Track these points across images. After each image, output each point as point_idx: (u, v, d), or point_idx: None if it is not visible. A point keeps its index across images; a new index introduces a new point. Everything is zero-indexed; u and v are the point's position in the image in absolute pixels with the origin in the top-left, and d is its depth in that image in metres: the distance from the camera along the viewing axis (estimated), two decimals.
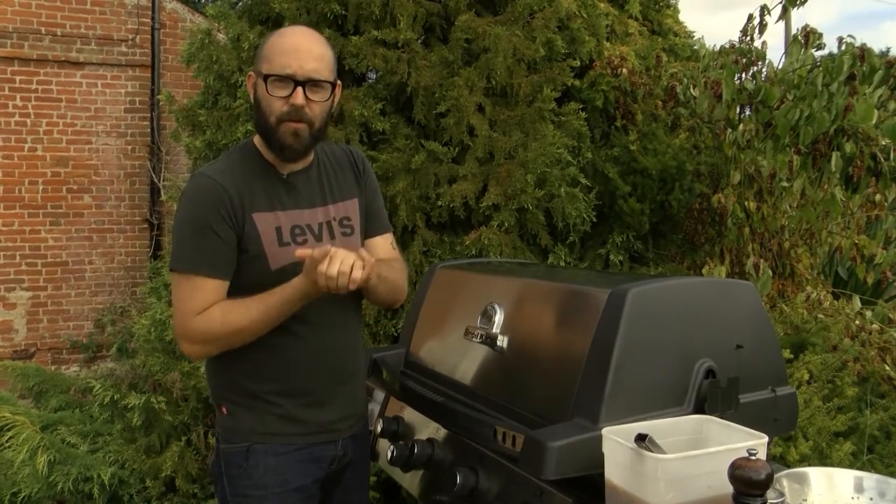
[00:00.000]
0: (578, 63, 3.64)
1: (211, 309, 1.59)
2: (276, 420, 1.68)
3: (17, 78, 6.46)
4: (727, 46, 3.61)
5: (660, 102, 3.86)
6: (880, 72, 3.15)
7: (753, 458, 1.08)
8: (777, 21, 3.48)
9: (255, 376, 1.68)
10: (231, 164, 1.68)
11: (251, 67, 3.41)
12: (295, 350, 1.67)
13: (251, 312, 1.58)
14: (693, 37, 4.76)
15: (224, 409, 1.72)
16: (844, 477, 1.31)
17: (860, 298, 3.56)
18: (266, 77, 1.59)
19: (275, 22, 3.62)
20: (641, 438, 1.16)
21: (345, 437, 1.77)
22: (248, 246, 1.62)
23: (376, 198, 1.87)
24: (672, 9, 4.68)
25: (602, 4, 3.94)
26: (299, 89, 1.58)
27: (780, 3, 3.46)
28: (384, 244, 1.86)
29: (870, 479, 1.29)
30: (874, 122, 3.08)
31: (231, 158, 1.71)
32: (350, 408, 1.78)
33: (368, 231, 1.84)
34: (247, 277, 1.63)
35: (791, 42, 3.39)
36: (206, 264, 1.60)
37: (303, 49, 1.60)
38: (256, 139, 1.72)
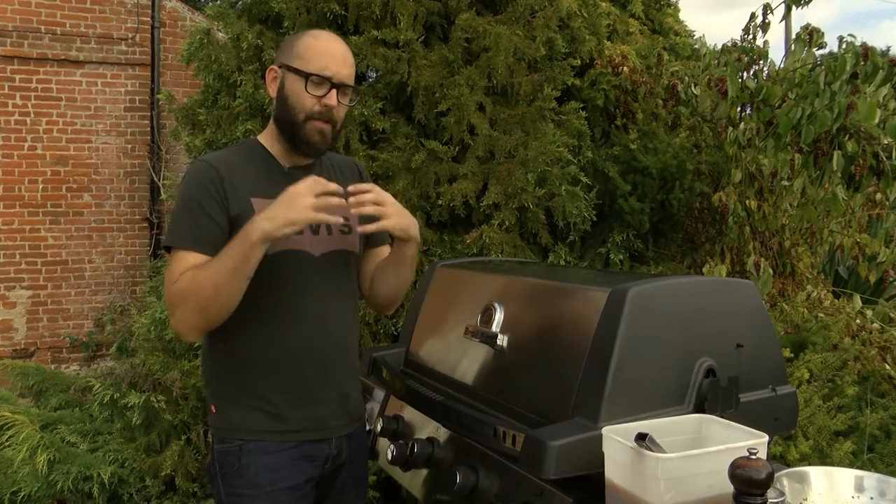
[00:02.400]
0: (579, 62, 3.63)
1: (185, 275, 1.58)
2: (266, 418, 1.66)
3: (17, 77, 6.46)
4: (729, 45, 3.61)
5: (660, 101, 3.86)
6: (882, 71, 3.15)
7: (754, 457, 1.08)
8: (781, 20, 3.49)
9: (244, 372, 1.67)
10: (232, 153, 1.75)
11: (250, 66, 3.47)
12: (284, 344, 1.67)
13: (211, 263, 1.56)
14: (693, 36, 4.76)
15: (213, 408, 1.72)
16: (845, 476, 1.31)
17: (860, 297, 3.56)
18: (307, 76, 1.65)
19: (274, 21, 3.62)
20: (642, 438, 1.16)
21: (338, 435, 1.74)
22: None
23: None
24: (673, 8, 4.68)
25: (603, 4, 3.94)
26: (334, 91, 1.66)
27: (783, 2, 3.46)
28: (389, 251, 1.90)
29: (870, 478, 1.29)
30: (876, 121, 3.08)
31: (232, 149, 1.79)
32: (343, 406, 1.75)
33: (373, 240, 1.86)
34: None
35: (795, 39, 3.39)
36: (191, 238, 1.61)
37: (339, 55, 1.69)
38: (262, 137, 1.77)
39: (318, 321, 1.70)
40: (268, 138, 1.76)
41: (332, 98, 1.66)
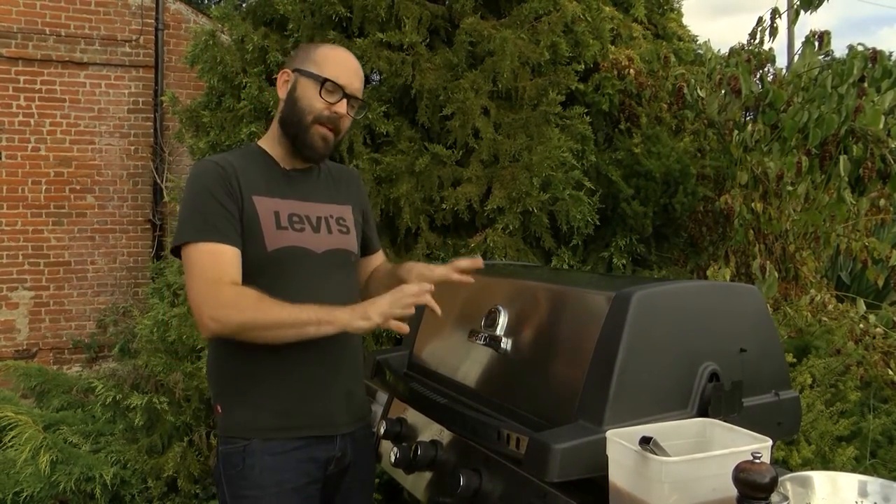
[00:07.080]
0: (583, 66, 3.64)
1: (248, 288, 1.58)
2: (272, 416, 1.67)
3: (21, 78, 6.47)
4: (738, 47, 3.62)
5: (665, 105, 3.86)
6: (890, 76, 3.15)
7: (758, 461, 1.08)
8: (791, 25, 3.49)
9: (250, 370, 1.68)
10: (233, 155, 1.77)
11: (255, 68, 3.47)
12: (291, 344, 1.64)
13: (284, 309, 1.56)
14: (696, 41, 4.76)
15: (219, 408, 1.73)
16: (849, 481, 1.31)
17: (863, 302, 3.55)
18: (323, 80, 1.71)
19: (279, 24, 3.62)
20: (646, 441, 1.16)
21: (342, 433, 1.75)
22: (245, 226, 1.66)
23: (370, 216, 1.99)
24: (676, 13, 4.68)
25: (607, 8, 3.94)
26: (345, 101, 1.73)
27: (788, 8, 3.47)
28: (381, 259, 2.01)
29: (874, 483, 1.29)
30: (881, 126, 3.08)
31: (234, 152, 1.82)
32: (348, 402, 1.77)
33: (368, 249, 1.95)
34: (243, 258, 1.65)
35: (804, 43, 3.39)
36: (217, 231, 1.62)
37: (353, 68, 1.77)
38: (263, 141, 1.81)
39: None
40: (269, 142, 1.80)
41: (342, 106, 1.72)
